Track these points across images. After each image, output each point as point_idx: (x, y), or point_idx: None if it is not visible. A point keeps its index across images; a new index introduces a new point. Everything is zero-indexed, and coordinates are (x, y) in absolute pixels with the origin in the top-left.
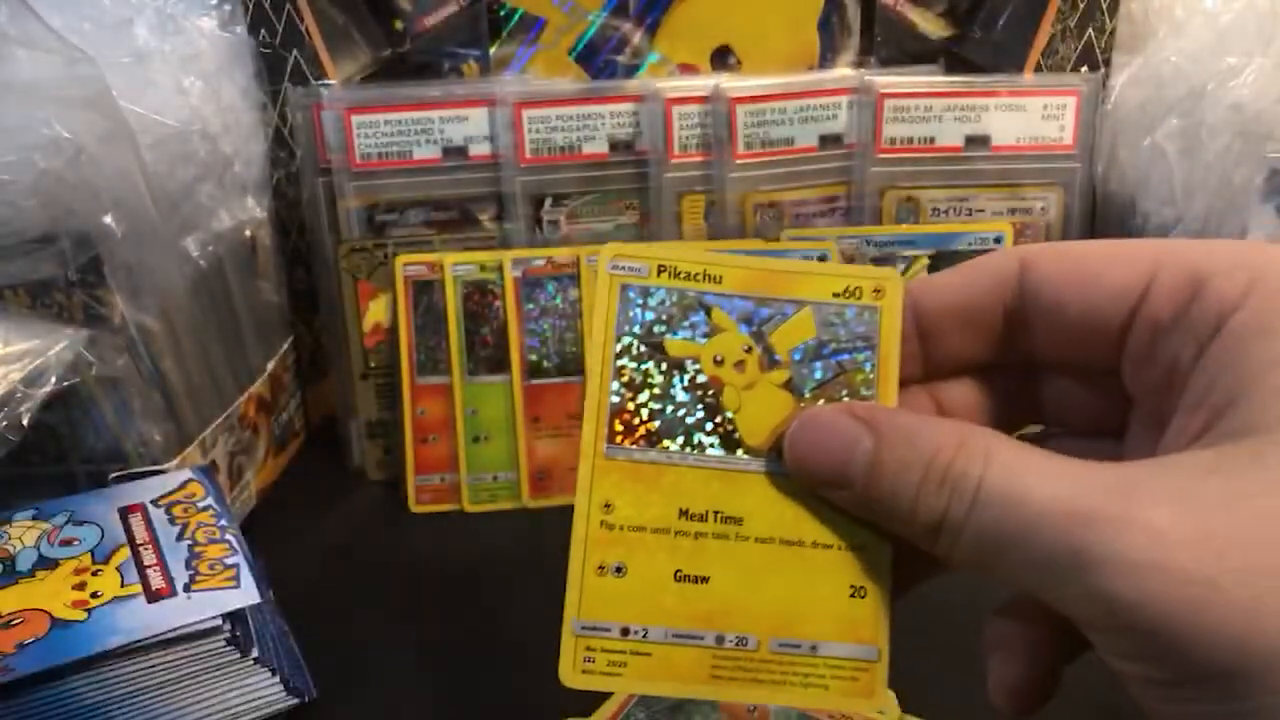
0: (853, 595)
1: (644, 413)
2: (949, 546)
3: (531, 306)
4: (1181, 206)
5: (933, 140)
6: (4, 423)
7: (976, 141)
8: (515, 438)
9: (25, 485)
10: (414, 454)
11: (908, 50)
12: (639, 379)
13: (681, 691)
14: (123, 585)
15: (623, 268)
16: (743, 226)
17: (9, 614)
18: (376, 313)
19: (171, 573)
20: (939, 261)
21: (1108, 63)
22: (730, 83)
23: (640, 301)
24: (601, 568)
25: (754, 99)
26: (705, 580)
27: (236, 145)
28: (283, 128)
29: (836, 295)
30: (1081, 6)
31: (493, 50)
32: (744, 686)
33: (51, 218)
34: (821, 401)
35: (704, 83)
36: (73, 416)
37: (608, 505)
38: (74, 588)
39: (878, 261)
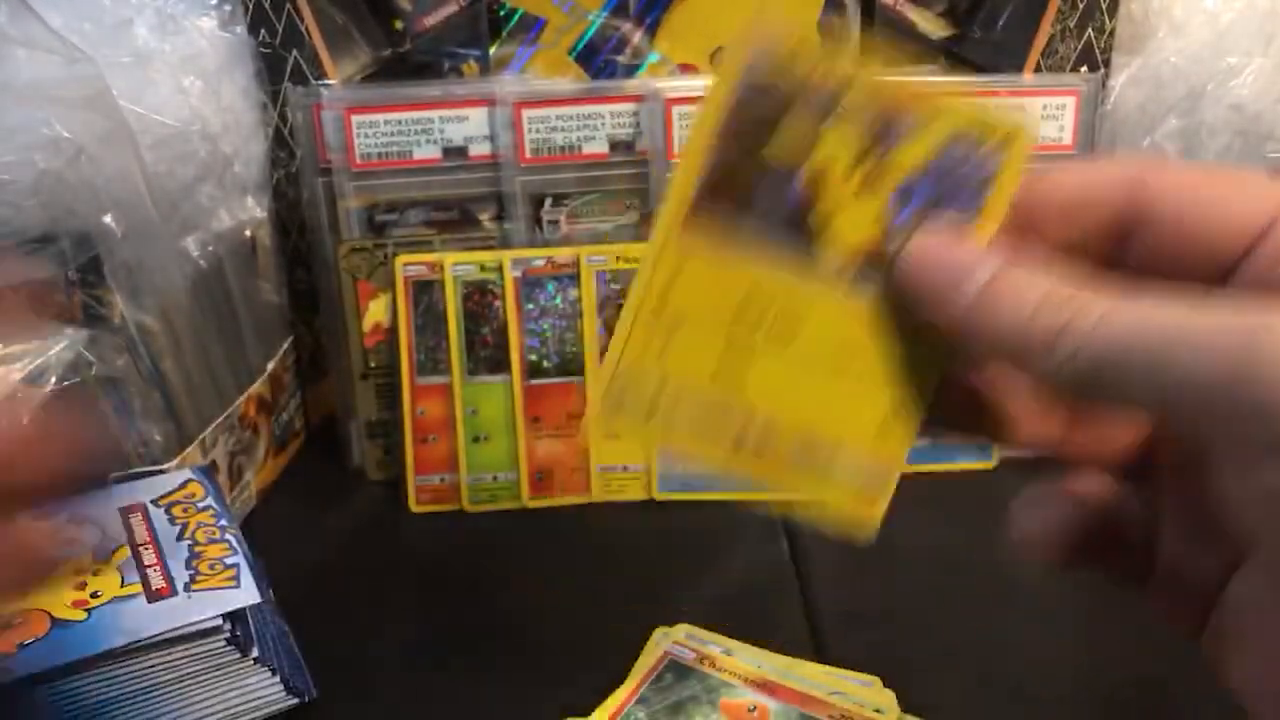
0: (882, 425)
1: (735, 199)
2: (1061, 361)
3: (531, 306)
4: None
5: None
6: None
7: None
8: (515, 438)
9: None
10: (414, 454)
11: (907, 50)
12: (739, 163)
13: (701, 453)
14: (123, 585)
15: (762, 42)
16: None
17: (10, 614)
18: (376, 313)
19: (172, 572)
20: None
21: (1107, 63)
22: None
23: (763, 84)
24: (652, 334)
25: None
26: (750, 370)
27: (236, 145)
28: (283, 128)
29: (962, 134)
30: (1081, 7)
31: (493, 50)
32: (761, 463)
33: (51, 218)
34: (905, 243)
35: (704, 82)
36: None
37: (673, 279)
38: (75, 588)
39: None
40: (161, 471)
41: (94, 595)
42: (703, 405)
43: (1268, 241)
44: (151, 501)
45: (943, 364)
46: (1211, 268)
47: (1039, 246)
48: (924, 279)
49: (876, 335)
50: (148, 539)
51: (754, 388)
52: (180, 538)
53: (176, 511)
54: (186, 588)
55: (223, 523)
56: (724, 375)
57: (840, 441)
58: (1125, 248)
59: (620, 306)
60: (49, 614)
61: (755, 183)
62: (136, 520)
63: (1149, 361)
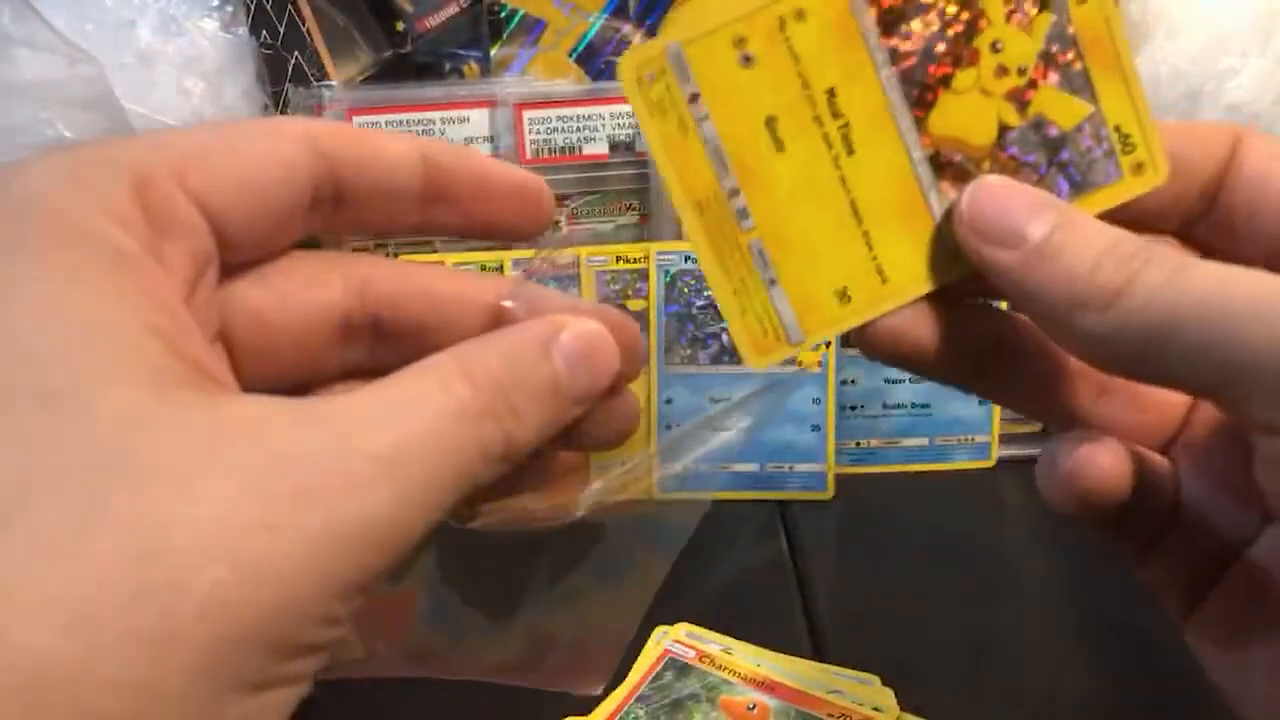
0: (838, 294)
1: (899, 37)
2: (1122, 317)
3: None
4: None
5: None
6: None
7: None
8: None
9: None
10: None
11: None
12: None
13: (672, 186)
14: None
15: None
16: None
17: None
18: None
19: None
20: None
21: None
22: None
23: None
24: (737, 39)
25: None
26: (781, 147)
27: None
28: None
29: (1115, 127)
30: None
31: (493, 52)
32: (704, 238)
33: None
34: (996, 167)
35: None
36: None
37: (800, 13)
38: None
39: None
40: None
41: None
42: (714, 151)
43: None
44: None
45: (961, 289)
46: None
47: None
48: (984, 219)
49: (908, 217)
50: None
51: (774, 165)
52: None
53: None
54: None
55: None
56: (768, 131)
57: (793, 277)
58: (1207, 214)
59: (620, 307)
60: None
61: (925, 6)
62: None
63: (1228, 329)
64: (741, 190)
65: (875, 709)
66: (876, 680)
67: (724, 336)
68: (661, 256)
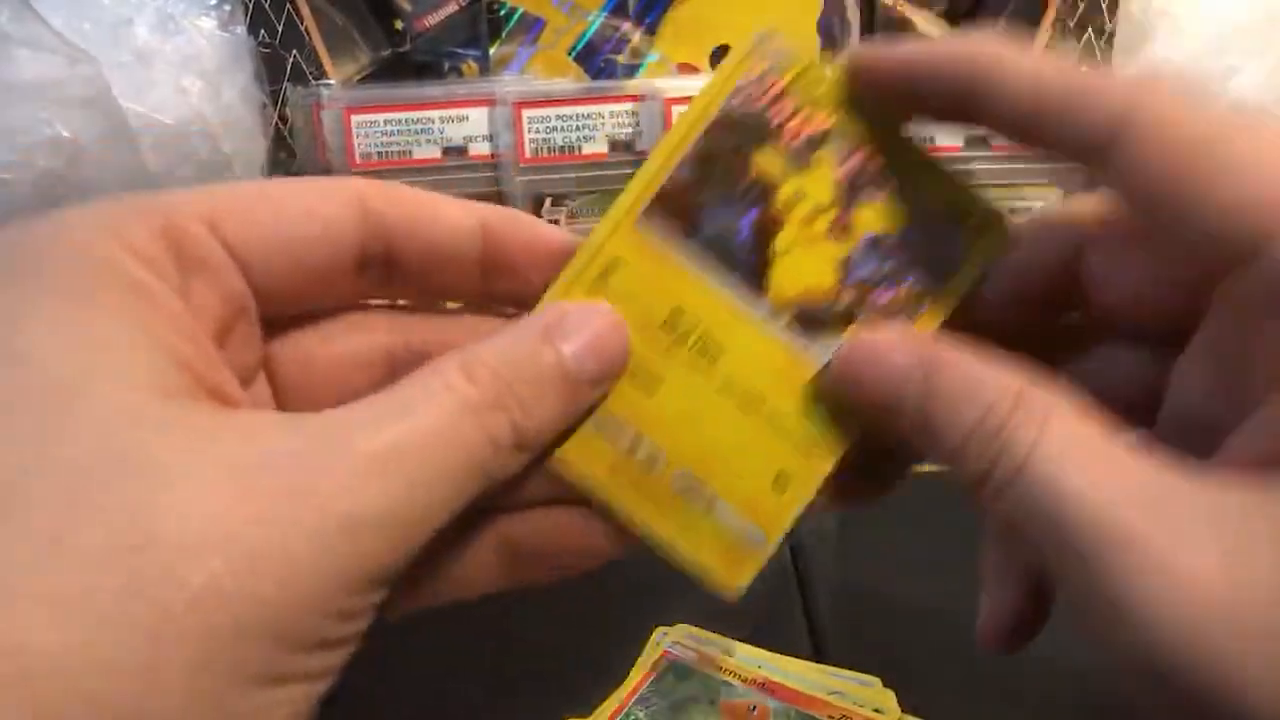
0: (775, 483)
1: (695, 206)
2: (991, 500)
3: None
4: None
5: (932, 140)
6: None
7: (975, 142)
8: None
9: None
10: None
11: None
12: (708, 174)
13: (573, 478)
14: None
15: (769, 52)
16: None
17: None
18: None
19: None
20: None
21: (1108, 63)
22: None
23: (747, 110)
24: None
25: None
26: (655, 386)
27: (236, 145)
28: (283, 127)
29: (939, 208)
30: (1081, 6)
31: (492, 50)
32: (629, 500)
33: None
34: (855, 299)
35: (703, 83)
36: None
37: (614, 264)
38: None
39: None
40: None
41: None
42: (596, 422)
43: (1120, 150)
44: None
45: (861, 436)
46: (1181, 285)
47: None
48: (860, 386)
49: (799, 385)
50: None
51: (666, 391)
52: None
53: None
54: None
55: None
56: (634, 378)
57: (728, 488)
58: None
59: None
60: None
61: (716, 202)
62: None
63: (1053, 536)
64: (643, 436)
65: (876, 710)
66: (877, 681)
67: None
68: None
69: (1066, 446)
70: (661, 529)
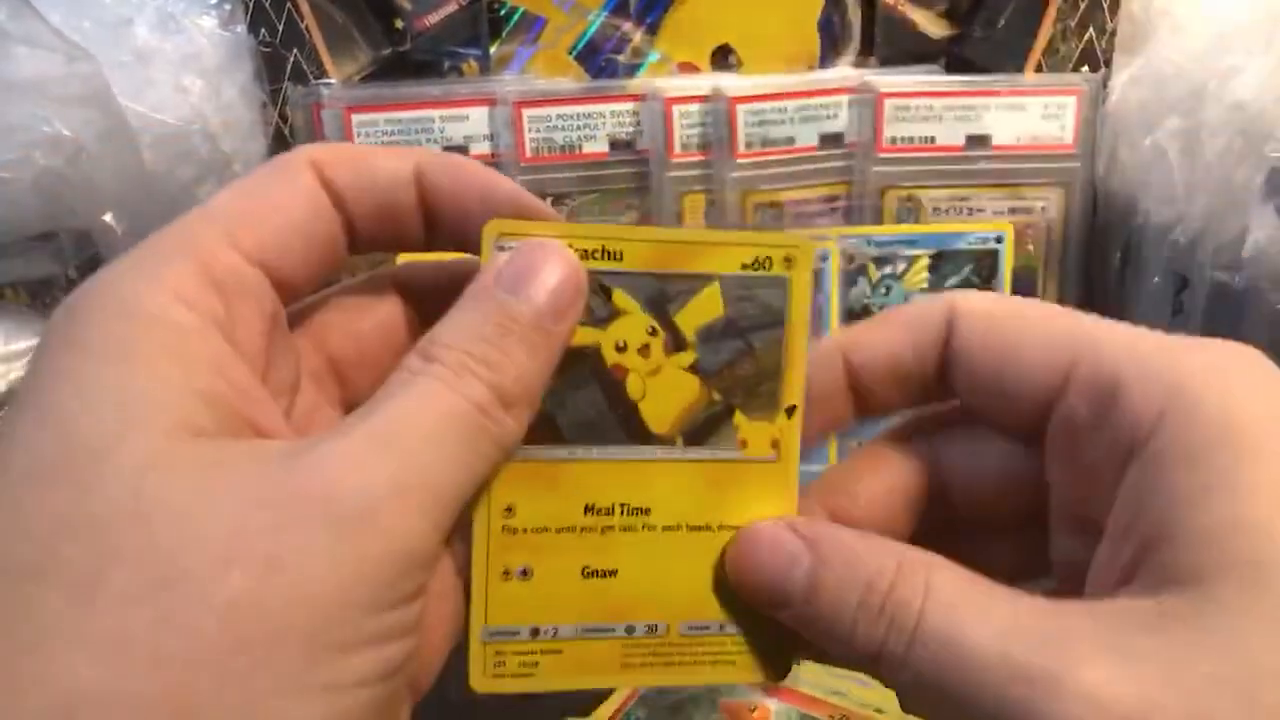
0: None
1: (547, 409)
2: (890, 677)
3: None
4: (1182, 206)
5: (933, 140)
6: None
7: (977, 141)
8: None
9: None
10: None
11: (908, 50)
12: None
13: (594, 684)
14: None
15: (508, 248)
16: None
17: None
18: None
19: None
20: (939, 261)
21: (1108, 62)
22: (730, 82)
23: None
24: (506, 573)
25: (754, 98)
26: (614, 573)
27: (236, 144)
28: (283, 127)
29: (745, 267)
30: (1082, 6)
31: (493, 49)
32: (656, 671)
33: (51, 215)
34: (724, 389)
35: (704, 82)
36: None
37: (509, 509)
38: None
39: (878, 261)
40: None
41: None
42: (583, 632)
43: (1063, 404)
44: None
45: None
46: (1021, 424)
47: (874, 413)
48: (749, 584)
49: (728, 487)
50: None
51: (625, 568)
52: None
53: None
54: None
55: None
56: (593, 587)
57: (730, 609)
58: (952, 394)
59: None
60: None
61: (563, 400)
62: None
63: (956, 695)
64: (635, 619)
65: (876, 710)
66: (877, 681)
67: None
68: None
69: (954, 601)
70: (696, 676)
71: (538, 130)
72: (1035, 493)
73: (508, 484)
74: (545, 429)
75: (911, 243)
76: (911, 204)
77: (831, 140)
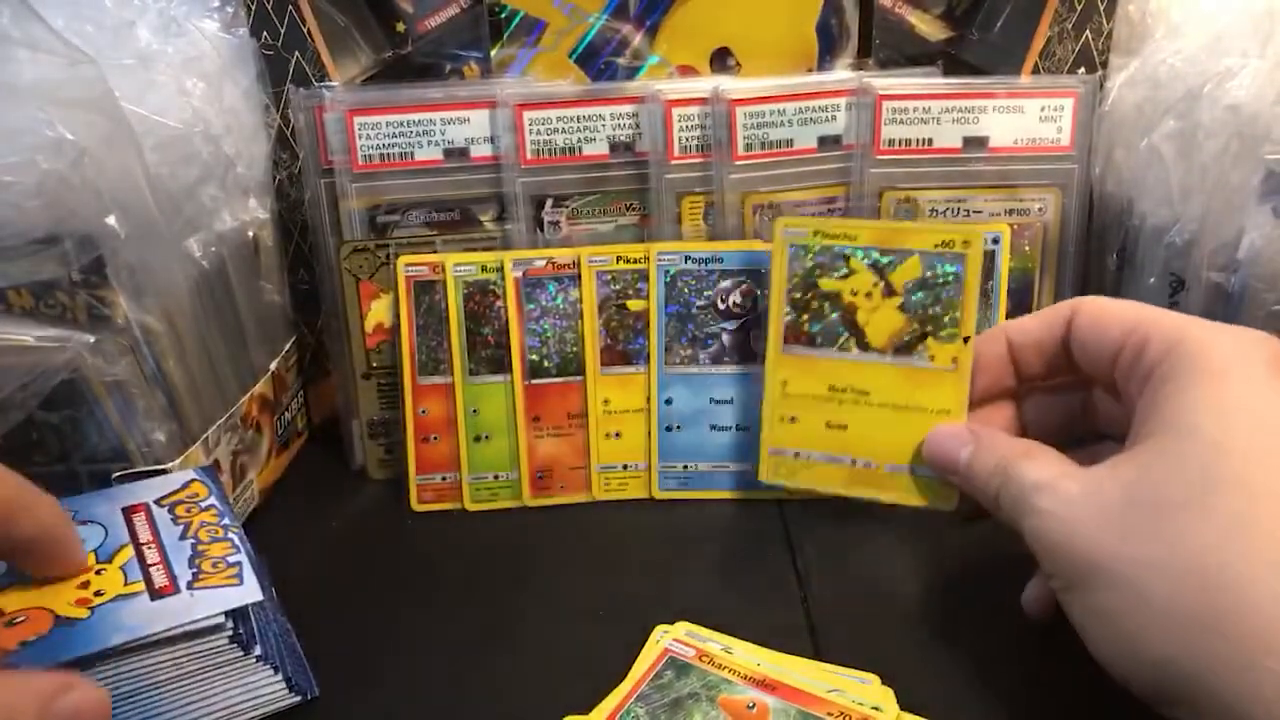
0: None
1: (806, 326)
2: (997, 506)
3: (532, 307)
4: (1178, 207)
5: (931, 142)
6: (7, 423)
7: (974, 143)
8: (516, 437)
9: None
10: (416, 453)
11: (906, 52)
12: (803, 304)
13: (831, 489)
14: (126, 583)
15: (790, 233)
16: (742, 227)
17: (13, 612)
18: (378, 313)
19: (175, 570)
20: None
21: (1105, 64)
22: (730, 84)
23: (804, 255)
24: (782, 419)
25: (753, 101)
26: (844, 427)
27: (239, 146)
28: (285, 129)
29: (936, 246)
30: (1079, 8)
31: (494, 52)
32: (868, 489)
33: (54, 219)
34: (920, 321)
35: (704, 85)
36: (76, 416)
37: (785, 382)
38: (78, 586)
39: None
40: (164, 471)
41: (97, 594)
42: (825, 459)
43: (1120, 358)
44: (155, 501)
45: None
46: (1108, 377)
47: (1029, 378)
48: (934, 459)
49: (922, 383)
50: (151, 538)
51: (852, 426)
52: (183, 537)
53: (179, 511)
54: (189, 585)
55: (225, 521)
56: (832, 434)
57: (917, 458)
58: (1071, 357)
59: (620, 307)
60: (52, 612)
61: (816, 320)
62: (140, 520)
63: (1013, 507)
64: (855, 455)
65: (875, 708)
66: (876, 679)
67: (724, 336)
68: (662, 256)
69: (1029, 465)
70: (893, 495)
71: (538, 132)
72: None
73: (785, 367)
74: (809, 337)
75: None
76: (909, 205)
77: (830, 142)
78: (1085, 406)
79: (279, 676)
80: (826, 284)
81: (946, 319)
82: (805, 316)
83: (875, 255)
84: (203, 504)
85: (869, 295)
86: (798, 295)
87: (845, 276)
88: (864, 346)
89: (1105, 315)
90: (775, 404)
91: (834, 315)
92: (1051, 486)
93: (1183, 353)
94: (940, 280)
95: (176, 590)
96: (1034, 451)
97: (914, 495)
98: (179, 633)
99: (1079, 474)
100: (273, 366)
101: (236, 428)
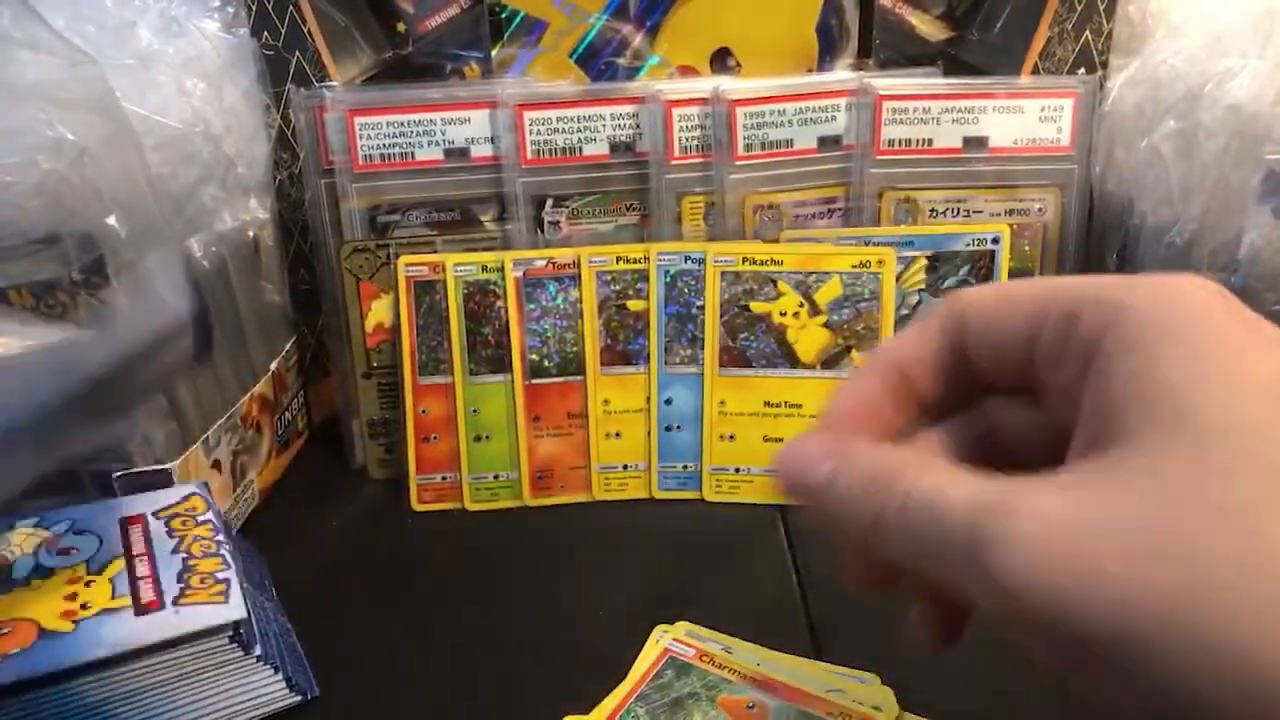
0: None
1: (740, 346)
2: (884, 544)
3: (533, 307)
4: (1179, 208)
5: (931, 142)
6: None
7: (974, 143)
8: (516, 437)
9: (28, 486)
10: (416, 453)
11: (906, 52)
12: (735, 326)
13: (769, 500)
14: (113, 597)
15: (721, 260)
16: (742, 227)
17: None
18: (379, 313)
19: (162, 586)
20: (937, 262)
21: (1105, 64)
22: (730, 85)
23: (733, 279)
24: (721, 437)
25: (753, 101)
26: (780, 440)
27: (239, 147)
28: (285, 129)
29: (854, 266)
30: (1079, 8)
31: (494, 52)
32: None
33: (55, 219)
34: (844, 337)
35: (704, 85)
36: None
37: (722, 402)
38: (65, 598)
39: None
40: (164, 470)
41: (83, 606)
42: (764, 470)
43: (1038, 347)
44: (153, 514)
45: None
46: (1020, 377)
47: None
48: (786, 482)
49: None
50: (144, 550)
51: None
52: (175, 550)
53: (175, 525)
54: (175, 602)
55: (219, 537)
56: (769, 448)
57: None
58: (972, 371)
59: (620, 307)
60: (37, 624)
61: (751, 325)
62: (136, 532)
63: (930, 540)
64: None
65: (874, 708)
66: (875, 679)
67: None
68: (662, 256)
69: (937, 479)
70: None
71: (538, 132)
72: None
73: (722, 388)
74: (743, 358)
75: (909, 244)
76: (909, 205)
77: (830, 142)
78: (987, 436)
79: (279, 676)
80: (757, 306)
81: (866, 331)
82: (739, 338)
83: (800, 277)
84: (199, 518)
85: (796, 315)
86: (729, 319)
87: (774, 299)
88: (794, 363)
89: (1003, 300)
90: (713, 423)
91: (765, 336)
92: (1007, 507)
93: (1133, 321)
94: (859, 297)
95: (161, 606)
96: (930, 463)
97: None
98: (162, 641)
99: (1033, 488)
100: (273, 366)
101: (236, 428)
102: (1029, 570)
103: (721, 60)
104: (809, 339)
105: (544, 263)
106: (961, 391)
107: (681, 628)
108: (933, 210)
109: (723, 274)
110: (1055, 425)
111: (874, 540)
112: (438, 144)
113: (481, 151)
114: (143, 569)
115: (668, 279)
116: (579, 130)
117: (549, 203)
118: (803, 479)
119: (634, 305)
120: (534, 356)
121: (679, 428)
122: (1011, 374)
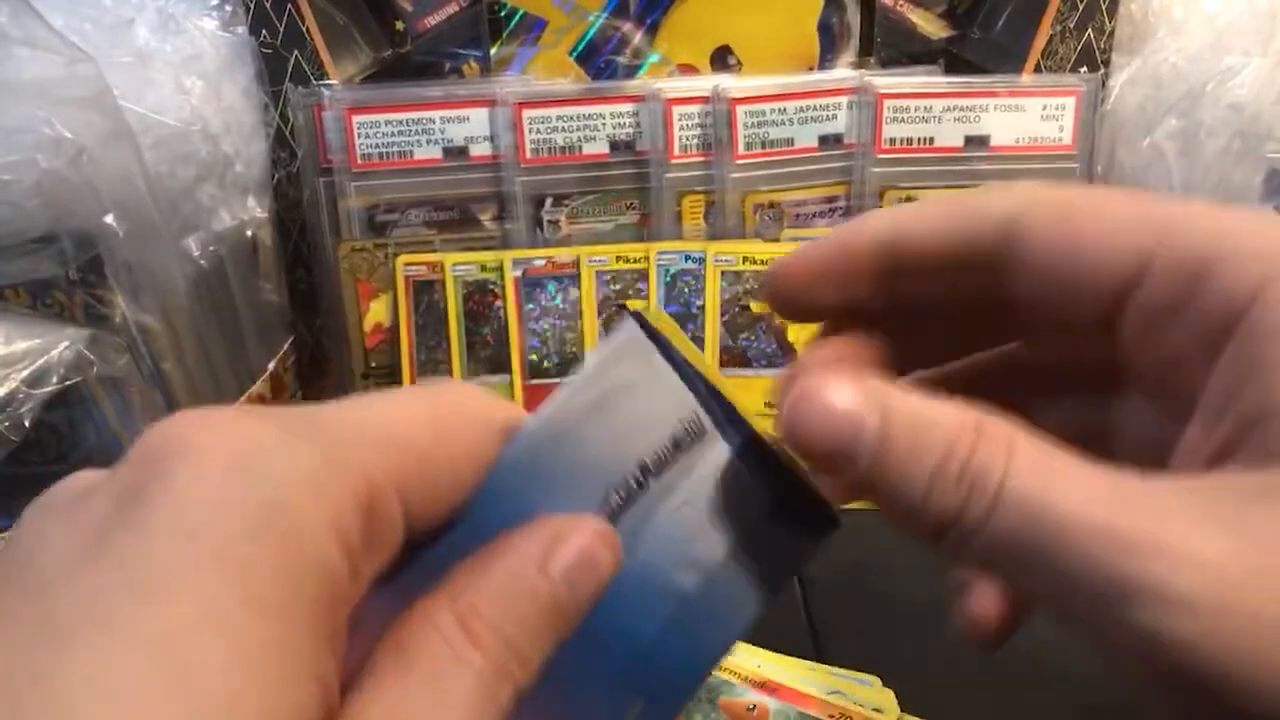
0: None
1: (740, 346)
2: (956, 547)
3: (532, 306)
4: None
5: (932, 140)
6: (6, 423)
7: (976, 142)
8: None
9: (26, 485)
10: None
11: (907, 51)
12: (736, 326)
13: None
14: None
15: (721, 260)
16: (742, 227)
17: None
18: (377, 312)
19: None
20: None
21: (1107, 63)
22: (730, 83)
23: (734, 278)
24: None
25: (754, 99)
26: None
27: (237, 145)
28: (284, 128)
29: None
30: (1081, 7)
31: (493, 51)
32: None
33: (53, 217)
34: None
35: (704, 83)
36: (74, 416)
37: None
38: None
39: None
40: None
41: None
42: None
43: (1140, 293)
44: None
45: None
46: (1091, 319)
47: (908, 301)
48: (808, 443)
49: None
50: None
51: None
52: None
53: None
54: None
55: None
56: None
57: None
58: (1005, 289)
59: (620, 307)
60: None
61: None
62: None
63: (1041, 563)
64: None
65: (875, 710)
66: (876, 681)
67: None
68: (661, 256)
69: (1036, 468)
70: (839, 500)
71: (538, 131)
72: (1108, 373)
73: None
74: (742, 359)
75: None
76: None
77: (831, 141)
78: (1000, 342)
79: None
80: (758, 306)
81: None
82: (739, 338)
83: None
84: None
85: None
86: (729, 318)
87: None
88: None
89: (1098, 220)
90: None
91: (765, 335)
92: (1160, 548)
93: None
94: None
95: None
96: (1018, 438)
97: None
98: None
99: (1182, 517)
100: (271, 366)
101: None
102: (1194, 637)
103: (722, 58)
104: (809, 337)
105: (543, 262)
106: (971, 303)
107: None
108: None
109: (723, 273)
110: (1102, 363)
111: (943, 541)
112: (436, 143)
113: (480, 150)
114: None
115: (668, 278)
116: (578, 129)
117: (548, 202)
118: (835, 443)
119: (634, 305)
120: (533, 356)
121: None
122: (1081, 315)
